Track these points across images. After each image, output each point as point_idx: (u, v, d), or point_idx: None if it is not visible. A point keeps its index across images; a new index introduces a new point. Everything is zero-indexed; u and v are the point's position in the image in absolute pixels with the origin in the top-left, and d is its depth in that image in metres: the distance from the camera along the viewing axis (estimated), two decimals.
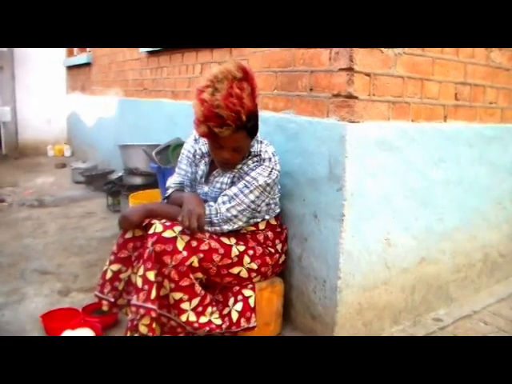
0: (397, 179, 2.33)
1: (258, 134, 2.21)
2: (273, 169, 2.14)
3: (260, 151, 2.17)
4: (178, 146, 3.02)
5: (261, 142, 2.22)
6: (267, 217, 2.28)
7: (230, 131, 1.97)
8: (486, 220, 2.93)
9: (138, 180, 3.97)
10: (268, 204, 2.25)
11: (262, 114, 2.57)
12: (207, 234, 2.08)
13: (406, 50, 2.29)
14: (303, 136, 2.32)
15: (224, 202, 2.11)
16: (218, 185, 2.23)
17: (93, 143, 6.69)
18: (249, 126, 2.03)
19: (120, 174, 4.59)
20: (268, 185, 2.14)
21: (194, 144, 2.39)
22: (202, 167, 2.32)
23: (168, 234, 1.98)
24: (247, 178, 2.12)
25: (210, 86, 1.96)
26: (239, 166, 2.18)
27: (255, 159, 2.17)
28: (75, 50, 7.86)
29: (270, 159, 2.15)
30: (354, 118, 2.11)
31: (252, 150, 2.18)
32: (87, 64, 6.79)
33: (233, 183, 2.19)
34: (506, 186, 3.02)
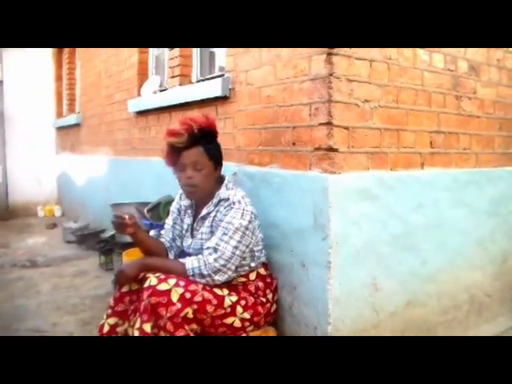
0: (379, 226, 2.44)
1: (229, 183, 2.42)
2: (244, 210, 2.27)
3: (229, 196, 2.33)
4: (168, 202, 3.12)
5: (231, 189, 2.39)
6: (253, 264, 2.38)
7: (184, 140, 2.24)
8: (468, 261, 3.02)
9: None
10: (252, 250, 2.35)
11: (248, 170, 2.72)
12: (200, 286, 2.17)
13: (381, 103, 2.45)
14: (288, 189, 2.44)
15: (210, 254, 2.21)
16: (199, 235, 2.38)
17: (83, 202, 6.77)
18: (204, 142, 2.31)
19: (111, 232, 4.66)
20: (246, 228, 2.26)
21: (179, 201, 2.58)
22: (186, 220, 2.51)
23: (162, 286, 2.06)
24: (223, 224, 2.26)
25: None
26: (213, 214, 2.33)
27: (225, 204, 2.32)
28: (64, 110, 8.05)
29: (239, 201, 2.30)
30: (335, 170, 2.24)
31: (222, 196, 2.35)
32: (77, 125, 6.95)
33: (212, 232, 2.31)
34: (486, 227, 3.14)
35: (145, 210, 3.16)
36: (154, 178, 4.21)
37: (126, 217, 2.28)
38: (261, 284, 2.40)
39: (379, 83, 2.44)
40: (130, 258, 3.52)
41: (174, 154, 2.29)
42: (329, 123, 2.23)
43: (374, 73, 2.42)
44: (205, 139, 2.33)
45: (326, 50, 2.24)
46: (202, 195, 2.36)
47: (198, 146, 2.31)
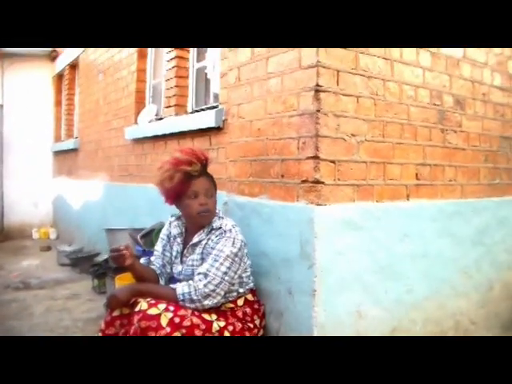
0: (365, 255, 2.52)
1: (220, 212, 2.55)
2: (235, 238, 2.39)
3: (221, 225, 2.44)
4: (161, 229, 3.20)
5: (222, 218, 2.51)
6: (241, 290, 2.46)
7: (198, 168, 2.41)
8: (453, 289, 3.10)
9: None
10: (240, 277, 2.44)
11: (239, 200, 2.81)
12: (189, 311, 2.25)
13: (368, 137, 2.56)
14: (277, 219, 2.53)
15: (200, 280, 2.30)
16: (190, 262, 2.47)
17: (79, 226, 6.84)
18: (209, 174, 2.51)
19: (105, 256, 4.72)
20: (236, 255, 2.36)
21: (169, 227, 2.68)
22: (176, 247, 2.61)
23: (152, 311, 2.15)
24: (214, 251, 2.36)
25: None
26: (204, 242, 2.44)
27: (217, 232, 2.43)
28: (63, 135, 8.16)
29: (230, 230, 2.41)
30: (321, 202, 2.33)
31: (214, 225, 2.47)
32: (74, 150, 7.05)
33: (202, 259, 2.41)
34: (471, 256, 3.22)
35: (138, 237, 3.24)
36: (149, 204, 4.29)
37: (123, 249, 2.35)
38: (248, 310, 2.47)
39: (366, 118, 2.55)
40: (123, 282, 3.59)
41: (185, 183, 2.41)
42: (316, 157, 2.33)
43: (360, 108, 2.53)
44: (207, 170, 2.53)
45: (313, 86, 2.35)
46: (211, 220, 2.49)
47: (207, 174, 2.51)
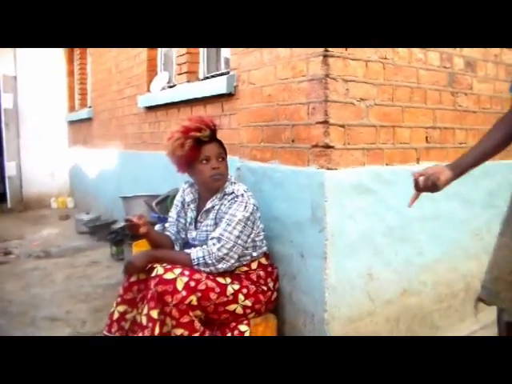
0: (375, 219, 2.56)
1: (232, 177, 2.60)
2: (247, 202, 2.44)
3: (233, 190, 2.50)
4: (175, 195, 3.26)
5: (234, 183, 2.56)
6: (255, 254, 2.52)
7: (208, 134, 2.47)
8: (464, 251, 3.13)
9: None
10: (254, 241, 2.50)
11: (251, 165, 2.85)
12: (204, 275, 2.32)
13: (377, 101, 2.56)
14: (288, 184, 2.57)
15: (214, 244, 2.36)
16: (204, 228, 2.53)
17: (95, 194, 6.95)
18: (219, 139, 2.58)
19: (122, 223, 4.81)
20: (248, 219, 2.42)
21: (182, 194, 2.75)
22: (190, 214, 2.67)
23: (168, 275, 2.22)
24: (227, 216, 2.41)
25: None
26: (218, 207, 2.49)
27: (230, 197, 2.49)
28: (76, 105, 8.22)
29: (242, 195, 2.46)
30: (332, 166, 2.36)
31: (226, 190, 2.52)
32: (88, 119, 7.11)
33: (216, 224, 2.46)
34: (482, 218, 3.23)
35: (153, 204, 3.31)
36: (163, 171, 4.32)
37: (135, 219, 2.42)
38: (262, 273, 2.54)
39: (375, 82, 2.56)
40: (140, 248, 3.67)
41: (196, 149, 2.47)
42: (325, 122, 2.35)
43: (369, 72, 2.53)
44: (216, 135, 2.58)
45: (322, 51, 2.35)
46: (223, 184, 2.54)
47: (217, 140, 2.57)
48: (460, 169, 1.80)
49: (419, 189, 1.81)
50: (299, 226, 2.51)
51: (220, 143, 2.57)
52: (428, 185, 1.77)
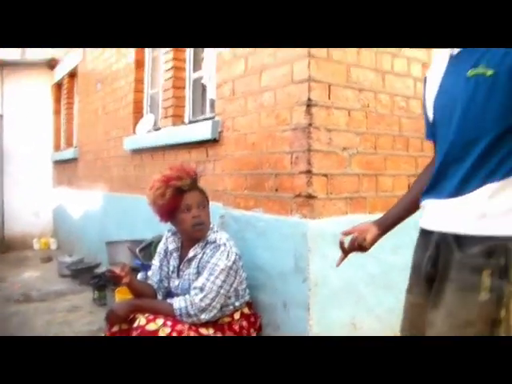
0: (357, 267, 2.54)
1: (215, 226, 2.57)
2: (229, 251, 2.42)
3: (215, 239, 2.48)
4: (159, 242, 3.22)
5: (216, 232, 2.54)
6: (237, 303, 2.49)
7: (188, 182, 2.46)
8: None
9: None
10: (236, 290, 2.47)
11: (235, 213, 2.84)
12: (186, 326, 2.28)
13: (360, 149, 2.58)
14: (271, 233, 2.56)
15: (196, 294, 2.33)
16: (187, 276, 2.51)
17: (79, 236, 6.87)
18: (200, 188, 2.57)
19: (105, 268, 4.74)
20: (230, 268, 2.40)
21: (166, 242, 2.72)
22: (172, 262, 2.65)
23: (151, 326, 2.18)
24: (209, 265, 2.39)
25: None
26: (200, 256, 2.46)
27: (212, 246, 2.47)
28: (62, 144, 8.20)
29: (225, 244, 2.44)
30: (315, 216, 2.36)
31: (208, 238, 2.50)
32: (74, 159, 7.07)
33: (198, 273, 2.44)
34: None
35: (137, 250, 3.27)
36: (148, 215, 4.29)
37: (118, 270, 2.39)
38: (245, 323, 2.49)
39: (357, 131, 2.58)
40: (122, 294, 3.62)
41: (177, 198, 2.47)
42: (308, 171, 2.36)
43: (352, 121, 2.56)
44: (197, 184, 2.58)
45: (305, 100, 2.38)
46: (205, 233, 2.52)
47: (197, 188, 2.56)
48: (387, 223, 1.77)
49: (345, 251, 1.76)
50: (282, 275, 2.49)
51: (201, 192, 2.57)
52: (354, 247, 1.74)
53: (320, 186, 2.39)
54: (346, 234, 1.75)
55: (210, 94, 3.82)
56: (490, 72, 1.28)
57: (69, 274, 5.80)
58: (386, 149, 2.72)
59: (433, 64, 1.58)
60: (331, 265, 2.41)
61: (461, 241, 1.34)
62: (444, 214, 1.41)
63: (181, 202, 2.46)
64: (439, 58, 1.53)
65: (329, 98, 2.46)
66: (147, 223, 4.30)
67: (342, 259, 1.79)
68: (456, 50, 1.43)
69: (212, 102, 3.74)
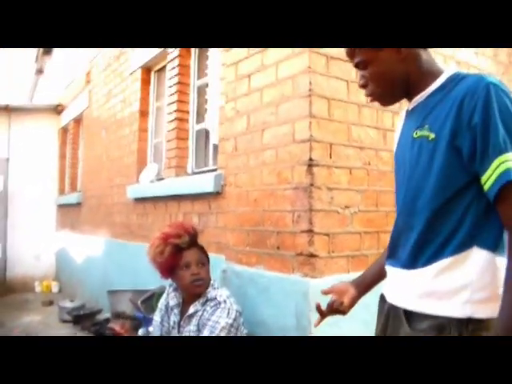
0: (359, 325, 2.53)
1: (215, 283, 2.60)
2: (229, 309, 2.43)
3: (216, 295, 2.49)
4: (161, 294, 3.22)
5: (216, 288, 2.57)
6: None
7: (187, 240, 2.52)
8: None
9: None
10: None
11: (237, 268, 2.85)
12: None
13: (361, 207, 2.61)
14: (273, 290, 2.57)
15: None
16: (187, 333, 2.53)
17: (81, 280, 6.85)
18: (200, 245, 2.61)
19: (107, 315, 4.73)
20: (231, 325, 2.40)
21: (167, 298, 2.74)
22: (173, 318, 2.65)
23: None
24: (210, 323, 2.40)
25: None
26: (200, 313, 2.47)
27: (212, 303, 2.48)
28: (66, 188, 8.25)
29: (225, 301, 2.46)
30: (316, 274, 2.37)
31: (209, 295, 2.51)
32: (77, 204, 7.11)
33: (199, 331, 2.45)
34: None
35: (138, 302, 3.27)
36: (150, 265, 4.32)
37: (118, 328, 2.41)
38: None
39: (359, 189, 2.62)
40: None
41: (176, 255, 2.53)
42: (310, 231, 2.39)
43: (353, 179, 2.59)
44: (197, 241, 2.62)
45: (307, 160, 2.42)
46: (204, 290, 2.53)
47: (196, 245, 2.61)
48: (366, 283, 1.72)
49: (323, 314, 1.67)
50: (284, 332, 2.48)
51: (201, 249, 2.62)
52: (333, 309, 1.67)
53: (321, 244, 2.41)
54: (326, 293, 1.69)
55: (213, 140, 3.87)
56: (432, 136, 1.25)
57: (70, 320, 5.77)
58: (387, 205, 2.74)
59: (400, 114, 1.55)
60: (333, 323, 2.41)
61: (410, 315, 1.31)
62: (396, 287, 1.38)
63: (180, 259, 2.51)
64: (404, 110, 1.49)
65: (330, 157, 2.50)
66: (150, 272, 4.29)
67: (320, 321, 1.70)
68: (411, 105, 1.39)
69: (215, 155, 3.79)
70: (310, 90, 2.48)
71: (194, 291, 2.52)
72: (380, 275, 1.65)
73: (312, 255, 2.38)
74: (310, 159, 2.42)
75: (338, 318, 2.48)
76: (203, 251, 2.61)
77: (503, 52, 3.85)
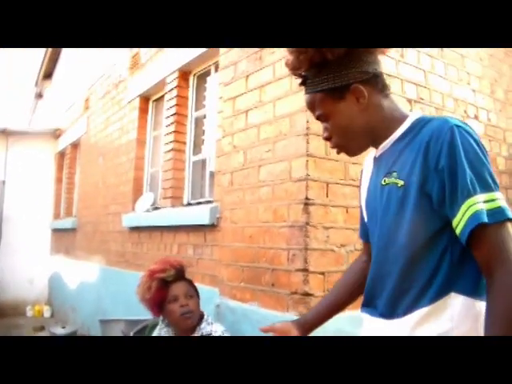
0: None
1: (209, 318, 2.56)
2: None
3: (211, 331, 2.46)
4: (154, 325, 3.20)
5: (211, 324, 2.53)
6: None
7: (173, 273, 2.51)
8: None
9: None
10: None
11: (231, 304, 2.84)
12: None
13: (357, 246, 2.60)
14: None
15: None
16: None
17: (73, 306, 6.80)
18: (188, 279, 2.59)
19: None
20: None
21: (160, 332, 2.68)
22: None
23: None
24: None
25: None
26: None
27: None
28: (62, 213, 8.23)
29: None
30: None
31: (203, 330, 2.48)
32: (72, 229, 7.09)
33: None
34: None
35: (131, 334, 3.24)
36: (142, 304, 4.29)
37: None
38: None
39: (355, 227, 2.61)
40: None
41: (163, 289, 2.51)
42: (305, 269, 2.38)
43: (350, 218, 2.60)
44: (184, 275, 2.61)
45: (303, 199, 2.43)
46: (195, 322, 2.50)
47: (184, 279, 2.58)
48: (310, 324, 1.65)
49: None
50: None
51: (188, 282, 2.60)
52: None
53: (316, 283, 2.41)
54: (265, 331, 1.65)
55: (211, 168, 3.87)
56: (400, 183, 1.22)
57: None
58: None
59: (367, 156, 1.51)
60: None
61: None
62: (375, 335, 1.35)
63: (167, 293, 2.50)
64: (370, 153, 1.46)
65: (326, 196, 2.51)
66: None
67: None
68: (378, 152, 1.36)
69: (212, 181, 3.79)
70: (307, 128, 2.50)
71: (184, 324, 2.49)
72: (328, 314, 1.68)
73: (307, 294, 2.37)
74: (307, 198, 2.43)
75: None
76: (191, 284, 2.59)
77: (500, 89, 3.89)
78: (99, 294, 5.68)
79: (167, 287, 2.51)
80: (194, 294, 2.57)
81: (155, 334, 2.73)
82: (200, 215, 3.41)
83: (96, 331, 5.28)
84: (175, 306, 2.48)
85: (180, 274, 2.59)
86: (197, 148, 4.23)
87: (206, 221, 3.30)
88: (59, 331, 6.03)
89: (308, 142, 2.49)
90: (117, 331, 3.93)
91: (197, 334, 2.49)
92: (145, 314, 3.91)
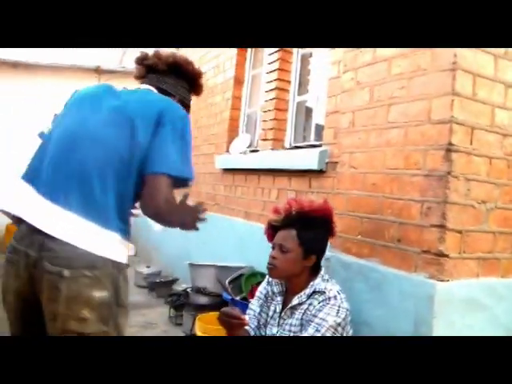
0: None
1: (325, 274, 2.28)
2: (340, 306, 2.12)
3: (325, 289, 2.18)
4: (250, 275, 3.00)
5: (326, 281, 2.25)
6: None
7: (280, 219, 2.29)
8: None
9: (204, 300, 3.90)
10: None
11: (344, 258, 2.55)
12: None
13: (499, 204, 2.25)
14: (387, 288, 2.26)
15: None
16: (287, 327, 2.24)
17: (157, 247, 6.78)
18: (299, 226, 2.24)
19: (184, 285, 4.57)
20: (339, 324, 2.09)
21: (267, 286, 2.45)
22: (273, 307, 2.37)
23: None
24: (316, 320, 2.09)
25: None
26: (305, 307, 2.18)
27: (321, 298, 2.16)
28: None
29: (335, 297, 2.14)
30: (444, 277, 2.05)
31: (317, 287, 2.20)
32: None
33: (302, 325, 2.17)
34: None
35: (226, 282, 3.05)
36: (236, 241, 4.11)
37: (236, 314, 2.14)
38: None
39: (497, 182, 2.25)
40: (204, 324, 3.41)
41: (271, 232, 2.34)
42: (442, 226, 2.05)
43: (493, 170, 2.23)
44: (301, 223, 2.26)
45: (445, 144, 2.08)
46: (280, 277, 2.30)
47: (291, 228, 2.26)
48: None
49: None
50: None
51: (297, 233, 2.24)
52: None
53: (453, 243, 2.08)
54: None
55: (316, 118, 3.60)
56: None
57: (145, 286, 5.69)
58: None
59: None
60: (456, 334, 2.10)
61: None
62: None
63: (274, 237, 2.32)
64: None
65: (471, 142, 2.15)
66: (234, 249, 4.10)
67: None
68: None
69: (318, 133, 3.50)
70: (453, 62, 2.12)
71: (268, 273, 2.32)
72: None
73: (442, 254, 2.05)
74: (450, 143, 2.08)
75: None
76: (301, 237, 2.23)
77: None
78: (185, 237, 5.56)
79: (275, 231, 2.32)
80: (294, 248, 2.22)
81: (261, 287, 2.48)
82: (307, 159, 3.12)
83: (179, 273, 5.20)
84: (271, 253, 2.28)
85: (289, 221, 2.27)
86: (302, 87, 3.91)
87: (314, 166, 3.02)
88: (144, 270, 6.03)
89: (454, 79, 2.12)
90: (206, 276, 3.78)
91: (309, 289, 2.22)
92: (231, 260, 3.74)
